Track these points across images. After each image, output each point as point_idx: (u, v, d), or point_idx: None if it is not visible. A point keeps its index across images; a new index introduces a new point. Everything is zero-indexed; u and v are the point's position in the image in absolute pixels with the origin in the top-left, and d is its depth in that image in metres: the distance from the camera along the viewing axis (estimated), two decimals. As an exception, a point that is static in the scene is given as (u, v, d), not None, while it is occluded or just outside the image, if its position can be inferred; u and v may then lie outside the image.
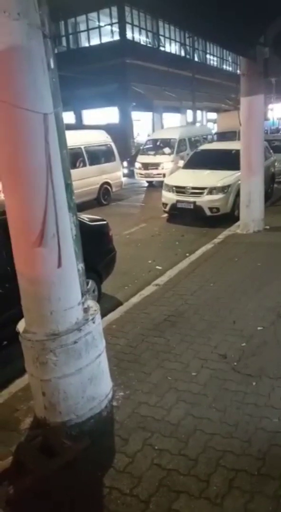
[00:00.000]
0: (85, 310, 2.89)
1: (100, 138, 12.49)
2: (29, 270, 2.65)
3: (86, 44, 24.19)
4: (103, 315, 3.76)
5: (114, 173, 12.72)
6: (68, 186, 2.67)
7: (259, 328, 4.07)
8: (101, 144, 12.43)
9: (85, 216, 5.35)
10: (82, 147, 11.36)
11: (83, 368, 2.77)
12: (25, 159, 2.42)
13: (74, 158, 10.92)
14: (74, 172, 9.55)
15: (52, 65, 2.46)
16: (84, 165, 11.49)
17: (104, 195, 12.20)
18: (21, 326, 2.84)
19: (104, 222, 5.51)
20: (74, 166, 10.80)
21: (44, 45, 2.38)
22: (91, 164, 11.71)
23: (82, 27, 24.04)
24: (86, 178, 11.22)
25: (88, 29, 23.64)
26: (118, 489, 2.39)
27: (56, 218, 2.51)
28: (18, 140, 2.38)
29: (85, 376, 2.80)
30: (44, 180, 2.44)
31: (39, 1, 2.31)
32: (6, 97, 2.30)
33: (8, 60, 2.27)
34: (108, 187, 12.37)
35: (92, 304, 3.04)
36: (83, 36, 24.30)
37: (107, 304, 4.97)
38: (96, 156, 12.03)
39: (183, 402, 3.06)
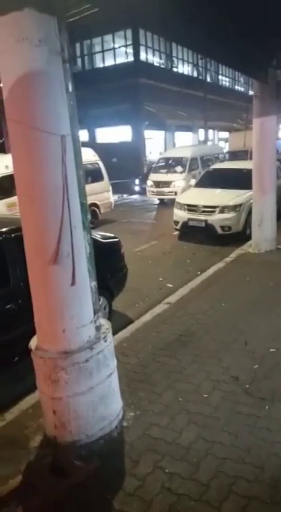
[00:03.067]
0: (97, 328, 2.90)
1: (86, 157, 11.77)
2: (43, 287, 2.67)
3: (101, 65, 24.82)
4: (114, 333, 3.75)
5: (102, 193, 12.02)
6: (83, 205, 2.71)
7: (271, 350, 4.01)
8: (87, 163, 11.69)
9: (97, 233, 5.39)
10: None
11: (94, 387, 2.76)
12: (42, 179, 2.48)
13: None
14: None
15: (70, 89, 2.53)
16: None
17: (91, 218, 11.77)
18: (33, 343, 2.85)
19: (117, 240, 5.55)
20: None
21: (63, 70, 2.45)
22: None
23: (98, 48, 24.73)
24: None
25: (103, 51, 24.31)
26: (128, 513, 2.34)
27: (72, 237, 2.55)
28: (36, 161, 2.44)
29: (96, 395, 2.79)
30: (60, 199, 2.49)
31: (59, 28, 2.40)
32: (26, 119, 2.37)
33: (29, 84, 2.34)
34: (96, 209, 11.69)
35: (104, 323, 3.05)
36: (98, 57, 24.98)
37: (118, 321, 4.96)
38: None
39: (194, 425, 3.02)
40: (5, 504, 2.38)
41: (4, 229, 3.89)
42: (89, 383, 2.73)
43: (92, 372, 2.74)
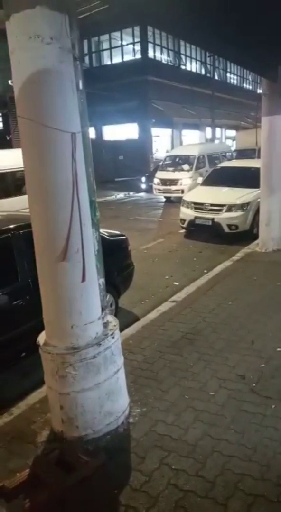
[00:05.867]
0: (105, 325, 2.91)
1: None
2: (52, 284, 2.70)
3: (109, 62, 24.80)
4: (120, 330, 3.77)
5: None
6: (92, 203, 2.72)
7: (278, 349, 4.00)
8: None
9: (104, 231, 5.40)
10: None
11: (101, 383, 2.78)
12: (52, 176, 2.49)
13: (19, 182, 8.40)
14: (18, 200, 7.86)
15: (80, 86, 2.54)
16: None
17: None
18: (41, 338, 2.88)
19: (123, 237, 5.56)
20: (19, 192, 8.37)
21: (74, 67, 2.46)
22: None
23: (105, 45, 24.71)
24: None
25: (111, 48, 24.28)
26: (134, 508, 2.36)
27: (81, 234, 2.56)
28: (47, 158, 2.46)
29: (103, 391, 2.81)
30: (70, 197, 2.51)
31: (71, 26, 2.41)
32: (37, 117, 2.39)
33: (40, 81, 2.36)
34: None
35: (112, 319, 3.06)
36: (106, 54, 24.96)
37: (124, 319, 4.97)
38: None
39: (200, 422, 3.03)
40: (13, 497, 2.40)
41: (12, 226, 3.92)
42: (96, 379, 2.75)
43: (99, 368, 2.76)
